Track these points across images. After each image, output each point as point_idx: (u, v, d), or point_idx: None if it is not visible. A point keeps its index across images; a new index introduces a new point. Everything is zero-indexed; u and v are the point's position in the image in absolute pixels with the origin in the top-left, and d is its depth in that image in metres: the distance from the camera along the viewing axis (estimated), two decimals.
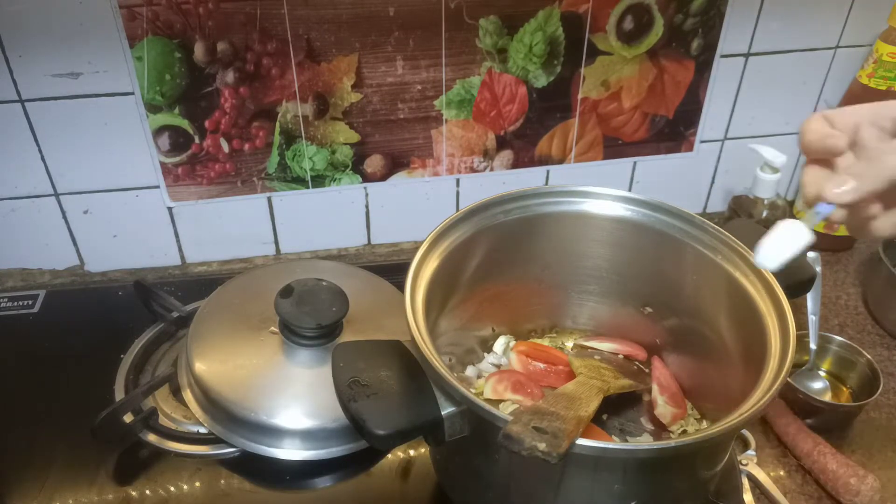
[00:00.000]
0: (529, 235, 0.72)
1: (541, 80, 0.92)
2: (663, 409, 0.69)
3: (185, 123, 0.86)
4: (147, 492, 0.69)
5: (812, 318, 0.81)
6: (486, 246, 0.69)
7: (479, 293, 0.72)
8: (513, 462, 0.53)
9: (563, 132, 0.97)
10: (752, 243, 0.64)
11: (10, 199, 0.89)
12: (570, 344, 0.79)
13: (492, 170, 0.98)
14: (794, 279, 0.64)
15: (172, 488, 0.70)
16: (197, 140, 0.88)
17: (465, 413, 0.52)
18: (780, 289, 0.60)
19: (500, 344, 0.77)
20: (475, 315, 0.74)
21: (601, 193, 0.71)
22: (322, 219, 0.98)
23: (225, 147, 0.89)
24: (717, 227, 0.66)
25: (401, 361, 0.55)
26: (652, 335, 0.75)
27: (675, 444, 0.49)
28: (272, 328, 0.76)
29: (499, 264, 0.72)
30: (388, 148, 0.94)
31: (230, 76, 0.84)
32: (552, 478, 0.52)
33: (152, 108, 0.84)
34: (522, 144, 0.97)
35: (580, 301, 0.77)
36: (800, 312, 0.81)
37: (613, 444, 0.55)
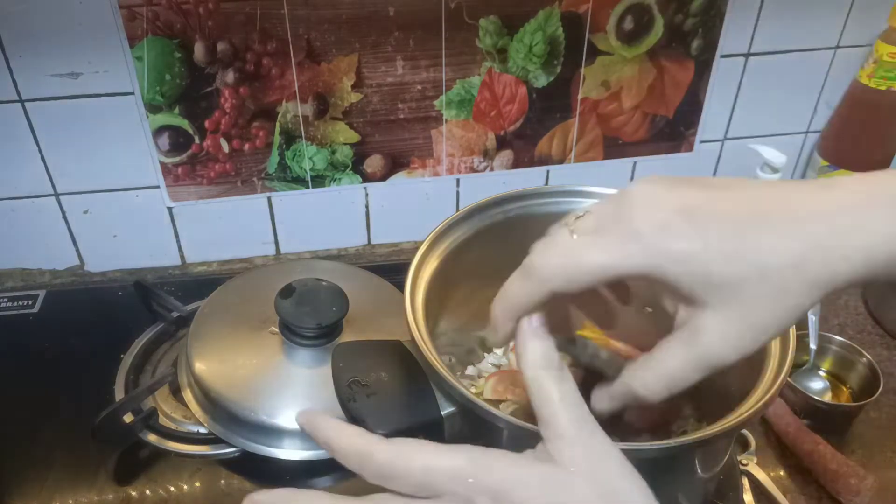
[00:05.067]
0: (530, 235, 0.71)
1: (541, 80, 0.92)
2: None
3: (185, 123, 0.86)
4: (147, 492, 0.69)
5: (812, 318, 0.81)
6: (487, 246, 0.69)
7: (479, 293, 0.71)
8: None
9: (563, 132, 0.97)
10: None
11: (10, 199, 0.89)
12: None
13: (492, 170, 0.98)
14: None
15: (172, 488, 0.70)
16: (197, 140, 0.88)
17: (465, 413, 0.52)
18: None
19: None
20: (475, 315, 0.74)
21: (601, 193, 0.71)
22: (322, 219, 0.98)
23: (225, 147, 0.89)
24: None
25: (401, 361, 0.55)
26: (652, 335, 0.75)
27: (675, 444, 0.49)
28: (272, 328, 0.76)
29: (499, 264, 0.71)
30: (388, 148, 0.94)
31: (230, 76, 0.84)
32: None
33: (152, 108, 0.84)
34: (522, 144, 0.97)
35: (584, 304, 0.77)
36: None
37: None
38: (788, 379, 0.77)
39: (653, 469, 0.53)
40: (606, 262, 0.37)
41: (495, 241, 0.69)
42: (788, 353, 0.55)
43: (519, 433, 0.48)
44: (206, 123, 0.87)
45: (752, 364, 0.57)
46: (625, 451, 0.49)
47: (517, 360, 0.40)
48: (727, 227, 0.35)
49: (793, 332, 0.56)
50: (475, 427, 0.52)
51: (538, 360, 0.39)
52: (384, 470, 0.36)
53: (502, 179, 0.99)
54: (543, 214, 0.71)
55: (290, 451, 0.70)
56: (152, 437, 0.73)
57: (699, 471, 0.57)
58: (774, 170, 0.94)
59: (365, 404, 0.51)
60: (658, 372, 0.40)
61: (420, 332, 0.55)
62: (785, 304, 0.36)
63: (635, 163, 1.02)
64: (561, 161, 0.99)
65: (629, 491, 0.36)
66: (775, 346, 0.57)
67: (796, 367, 0.81)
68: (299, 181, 0.94)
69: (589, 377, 0.67)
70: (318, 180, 0.94)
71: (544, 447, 0.37)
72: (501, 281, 0.73)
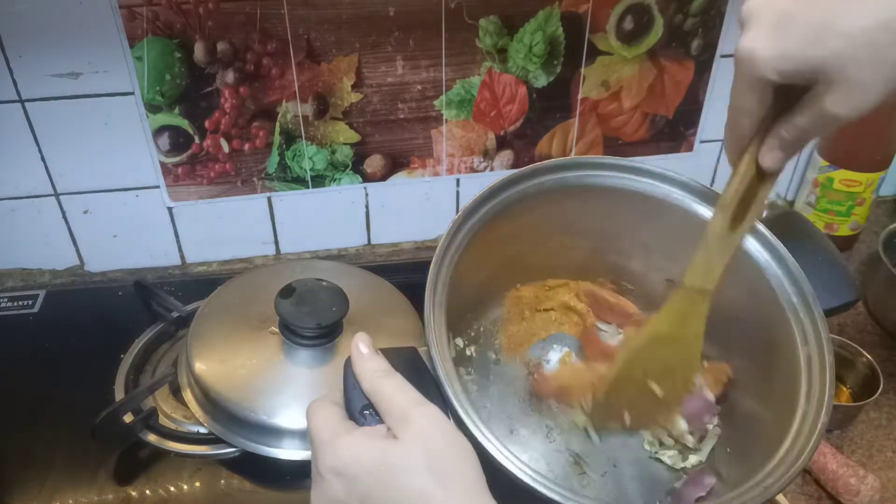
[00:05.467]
0: (565, 205, 0.70)
1: (541, 80, 0.92)
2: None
3: (185, 123, 0.86)
4: (147, 492, 0.69)
5: None
6: (491, 246, 0.68)
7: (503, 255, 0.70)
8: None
9: (563, 132, 0.97)
10: (784, 235, 0.61)
11: (10, 199, 0.89)
12: None
13: (492, 170, 0.98)
14: (833, 302, 0.59)
15: (172, 488, 0.70)
16: (197, 140, 0.88)
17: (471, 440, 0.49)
18: (821, 313, 0.57)
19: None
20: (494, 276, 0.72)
21: (612, 164, 0.69)
22: (322, 219, 0.98)
23: (225, 147, 0.89)
24: (788, 252, 0.62)
25: (415, 371, 0.50)
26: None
27: None
28: (272, 328, 0.76)
29: (527, 231, 0.70)
30: (388, 148, 0.94)
31: (230, 76, 0.84)
32: None
33: (152, 108, 0.84)
34: (522, 144, 0.97)
35: (605, 262, 0.76)
36: None
37: None
38: None
39: None
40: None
41: (499, 239, 0.69)
42: (824, 406, 0.53)
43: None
44: (206, 123, 0.87)
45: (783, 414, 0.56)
46: None
47: (358, 381, 0.47)
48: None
49: (830, 382, 0.54)
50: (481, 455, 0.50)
51: (371, 372, 0.46)
52: None
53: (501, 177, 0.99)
54: (585, 186, 0.69)
55: (290, 451, 0.70)
56: (152, 437, 0.73)
57: None
58: None
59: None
60: (792, 123, 0.47)
61: (440, 349, 0.51)
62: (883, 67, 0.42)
63: None
64: None
65: (452, 450, 0.43)
66: (805, 384, 0.55)
67: None
68: (299, 181, 0.94)
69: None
70: (318, 180, 0.94)
71: (393, 430, 0.44)
72: (529, 247, 0.71)
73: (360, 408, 0.46)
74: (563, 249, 0.74)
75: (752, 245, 0.62)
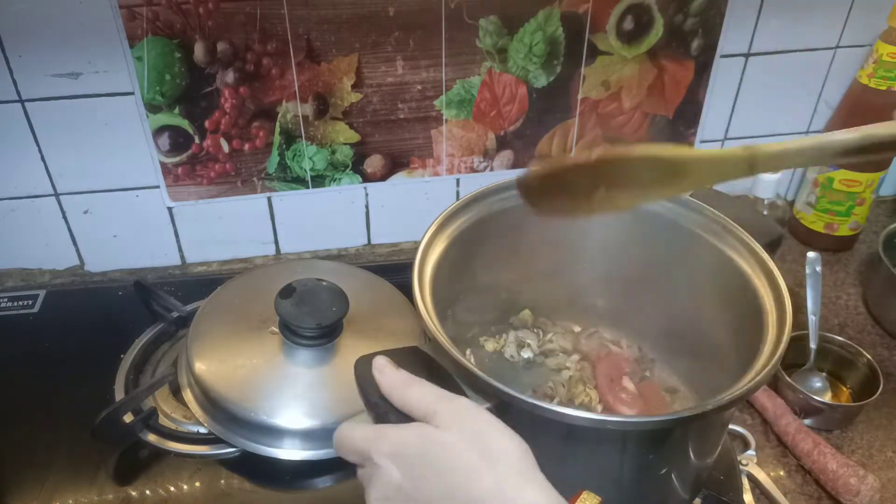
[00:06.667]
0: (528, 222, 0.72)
1: (541, 80, 0.92)
2: None
3: (185, 123, 0.86)
4: (147, 492, 0.69)
5: (812, 318, 0.81)
6: (489, 234, 0.69)
7: (485, 277, 0.72)
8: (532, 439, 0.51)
9: (563, 132, 0.97)
10: (743, 222, 0.65)
11: (10, 199, 0.89)
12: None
13: (492, 170, 0.98)
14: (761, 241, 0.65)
15: (172, 488, 0.70)
16: (197, 140, 0.88)
17: (503, 407, 0.50)
18: (776, 267, 0.61)
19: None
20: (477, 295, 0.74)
21: None
22: (322, 219, 0.98)
23: (225, 147, 0.89)
24: (712, 209, 0.66)
25: (425, 368, 0.52)
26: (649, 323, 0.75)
27: (673, 418, 0.50)
28: (272, 328, 0.76)
29: (502, 250, 0.72)
30: (388, 148, 0.94)
31: (230, 76, 0.84)
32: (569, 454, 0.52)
33: (152, 108, 0.84)
34: (522, 144, 0.97)
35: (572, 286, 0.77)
36: (800, 312, 0.81)
37: (614, 416, 0.56)
38: (788, 379, 0.77)
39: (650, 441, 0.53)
40: None
41: (496, 229, 0.70)
42: (786, 325, 0.55)
43: (561, 419, 0.48)
44: (206, 123, 0.87)
45: (748, 344, 0.57)
46: (621, 423, 0.50)
47: (388, 398, 0.48)
48: None
49: (788, 306, 0.56)
50: (516, 419, 0.50)
51: (399, 383, 0.48)
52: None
53: (502, 179, 0.99)
54: None
55: (290, 451, 0.70)
56: (152, 437, 0.73)
57: (693, 453, 0.57)
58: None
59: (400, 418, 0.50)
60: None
61: (440, 334, 0.53)
62: None
63: None
64: None
65: (490, 431, 0.45)
66: (771, 323, 0.57)
67: (796, 367, 0.81)
68: (299, 181, 0.94)
69: None
70: (318, 180, 0.94)
71: (430, 423, 0.46)
72: (505, 264, 0.73)
73: (389, 411, 0.48)
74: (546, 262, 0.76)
75: (692, 216, 0.67)
